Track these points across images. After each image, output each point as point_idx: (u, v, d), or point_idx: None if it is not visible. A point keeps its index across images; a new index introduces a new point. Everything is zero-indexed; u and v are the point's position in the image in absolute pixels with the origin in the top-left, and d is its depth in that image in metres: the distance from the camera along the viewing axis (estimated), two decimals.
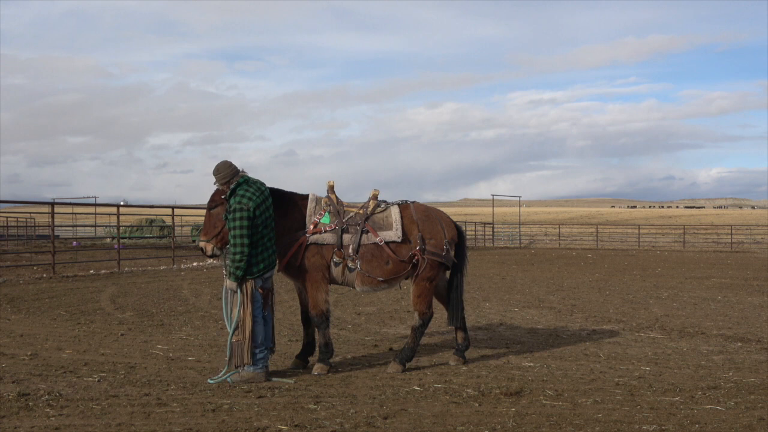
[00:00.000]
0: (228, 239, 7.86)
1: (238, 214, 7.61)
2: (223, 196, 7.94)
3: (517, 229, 58.24)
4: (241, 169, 7.92)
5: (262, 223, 7.73)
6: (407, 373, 8.31)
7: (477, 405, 6.87)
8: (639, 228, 60.40)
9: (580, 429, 6.17)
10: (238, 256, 7.60)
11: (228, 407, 6.63)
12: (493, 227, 55.81)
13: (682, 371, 8.57)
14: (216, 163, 7.93)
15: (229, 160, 7.91)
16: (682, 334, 11.42)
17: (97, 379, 7.66)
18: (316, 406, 6.71)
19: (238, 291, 7.70)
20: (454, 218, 9.47)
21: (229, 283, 7.69)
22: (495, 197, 55.39)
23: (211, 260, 8.35)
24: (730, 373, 8.45)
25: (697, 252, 43.47)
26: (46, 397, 6.88)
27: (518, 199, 59.55)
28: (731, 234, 54.16)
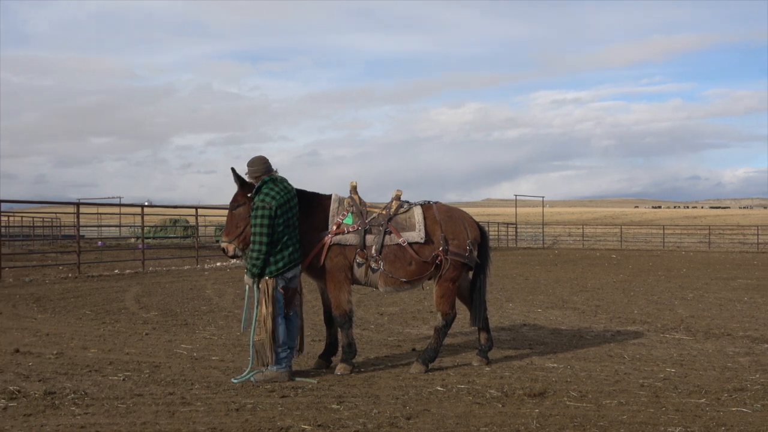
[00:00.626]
0: (249, 240, 7.91)
1: (259, 212, 7.65)
2: (249, 194, 7.99)
3: (541, 230, 58.04)
4: (275, 169, 7.98)
5: (283, 223, 7.76)
6: (430, 373, 8.30)
7: (500, 406, 6.84)
8: (664, 228, 59.94)
9: (604, 431, 6.13)
10: (255, 254, 7.64)
11: (251, 407, 6.66)
12: (516, 227, 55.64)
13: (707, 373, 8.49)
14: (252, 157, 7.98)
15: (265, 156, 7.97)
16: (708, 335, 11.31)
17: (122, 378, 7.71)
18: (339, 406, 6.71)
19: (256, 289, 7.74)
20: (477, 219, 9.45)
21: (246, 279, 7.75)
22: (518, 197, 55.22)
23: (234, 260, 8.39)
24: (757, 375, 8.36)
25: (722, 253, 43.08)
26: (72, 395, 6.94)
27: (541, 199, 59.33)
28: (758, 234, 53.58)
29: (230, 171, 8.00)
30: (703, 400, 7.14)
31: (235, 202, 8.12)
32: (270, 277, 7.73)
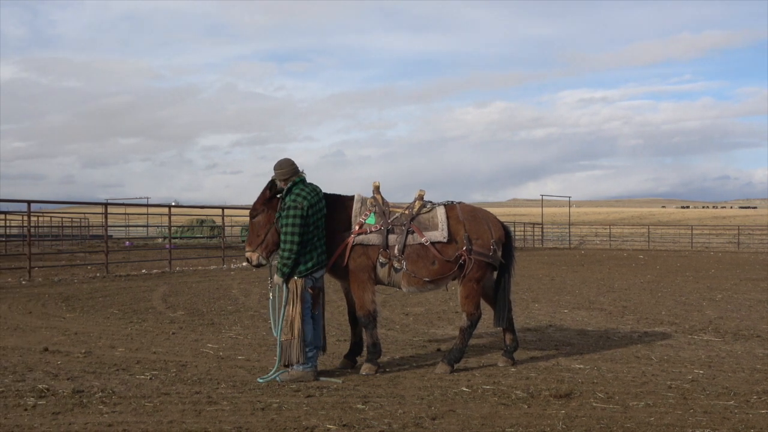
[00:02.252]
0: (271, 247, 8.04)
1: (291, 212, 7.69)
2: (278, 195, 8.04)
3: (567, 230, 57.71)
4: (301, 170, 8.02)
5: (313, 223, 7.81)
6: (456, 373, 8.27)
7: (526, 407, 6.81)
8: (692, 229, 59.36)
9: None
10: (286, 254, 7.67)
11: (277, 406, 6.68)
12: (542, 228, 55.38)
13: (736, 375, 8.39)
14: (278, 159, 8.03)
15: (291, 158, 8.02)
16: (737, 336, 11.18)
17: (149, 377, 7.77)
18: (364, 406, 6.71)
19: (286, 289, 7.77)
20: (503, 219, 9.41)
21: (276, 279, 7.79)
22: (544, 197, 54.95)
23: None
24: None
25: (752, 253, 42.57)
26: (100, 394, 7.01)
27: (568, 199, 59.00)
28: None
29: (256, 171, 8.03)
30: (731, 403, 7.05)
31: (254, 211, 8.18)
32: (299, 277, 7.77)
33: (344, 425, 6.10)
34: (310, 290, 7.82)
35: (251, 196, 8.30)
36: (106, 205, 23.30)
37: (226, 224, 32.84)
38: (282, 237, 7.74)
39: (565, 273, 24.47)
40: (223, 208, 29.20)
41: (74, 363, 8.49)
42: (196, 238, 39.57)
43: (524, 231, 55.42)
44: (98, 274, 20.86)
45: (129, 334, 10.72)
